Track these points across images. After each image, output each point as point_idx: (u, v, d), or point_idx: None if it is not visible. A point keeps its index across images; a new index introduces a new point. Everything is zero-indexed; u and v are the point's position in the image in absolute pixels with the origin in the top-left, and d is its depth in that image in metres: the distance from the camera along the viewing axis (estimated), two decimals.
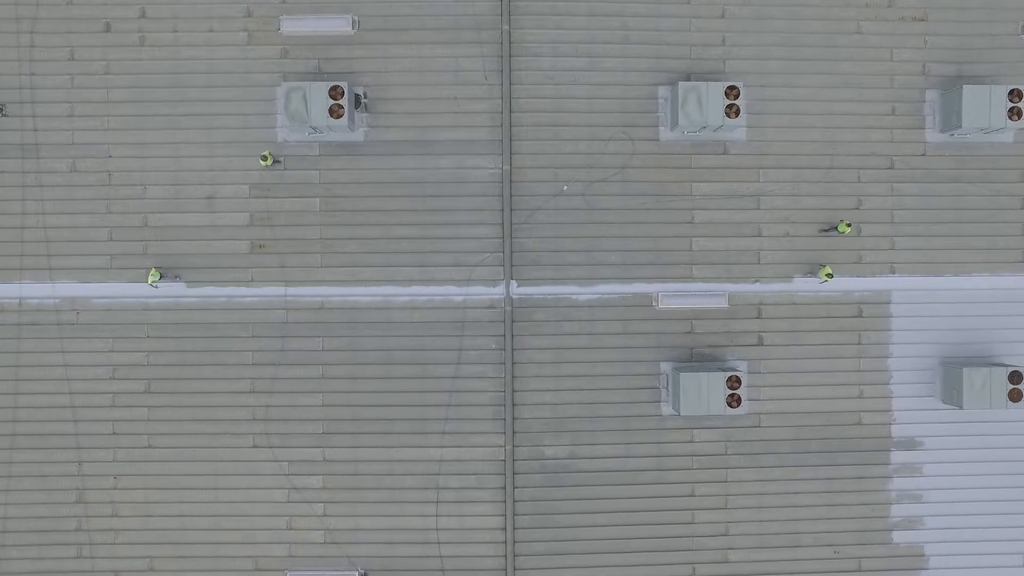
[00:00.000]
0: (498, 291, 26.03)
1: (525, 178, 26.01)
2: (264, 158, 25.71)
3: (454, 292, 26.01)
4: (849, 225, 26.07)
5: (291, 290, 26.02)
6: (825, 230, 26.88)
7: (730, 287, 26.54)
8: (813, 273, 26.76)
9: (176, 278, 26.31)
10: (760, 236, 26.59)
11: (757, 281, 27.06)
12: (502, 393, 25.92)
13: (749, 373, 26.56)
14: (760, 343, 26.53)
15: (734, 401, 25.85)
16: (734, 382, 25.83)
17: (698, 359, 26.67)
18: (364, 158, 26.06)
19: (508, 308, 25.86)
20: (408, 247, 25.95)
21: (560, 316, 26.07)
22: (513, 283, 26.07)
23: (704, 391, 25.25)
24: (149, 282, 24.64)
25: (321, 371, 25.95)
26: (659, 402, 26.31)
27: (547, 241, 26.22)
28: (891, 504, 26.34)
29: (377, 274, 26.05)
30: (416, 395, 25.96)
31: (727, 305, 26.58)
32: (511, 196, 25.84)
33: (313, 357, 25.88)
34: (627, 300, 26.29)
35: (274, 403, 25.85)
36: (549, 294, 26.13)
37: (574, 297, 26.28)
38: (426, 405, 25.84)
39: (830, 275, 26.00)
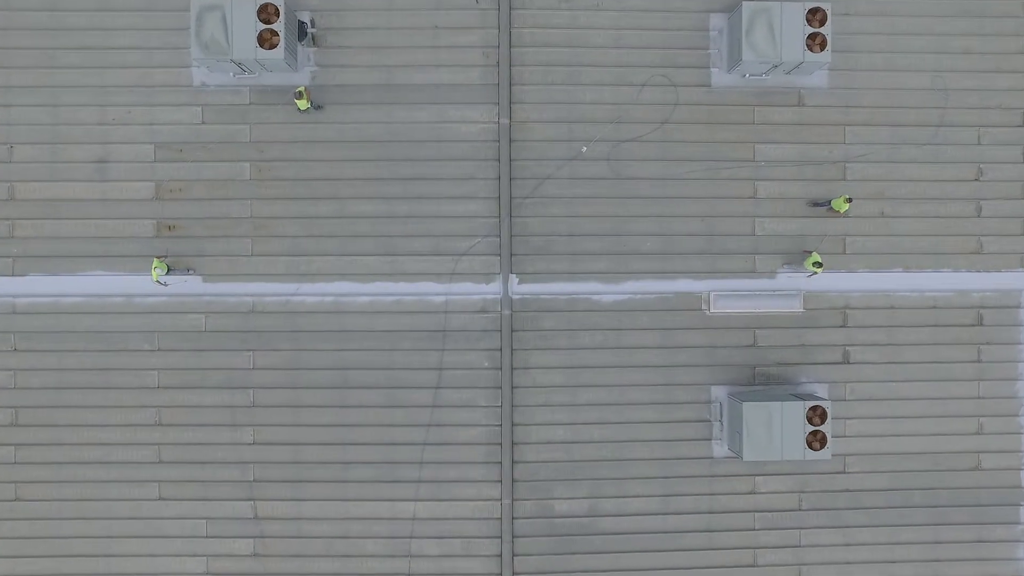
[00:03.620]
0: (493, 289, 20.61)
1: (530, 136, 20.75)
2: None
3: (433, 290, 20.66)
4: (849, 200, 20.05)
5: (211, 287, 20.62)
6: (817, 205, 20.86)
7: (806, 284, 21.02)
8: (790, 264, 20.92)
9: (189, 271, 20.35)
10: (847, 217, 21.22)
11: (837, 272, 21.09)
12: (498, 428, 20.68)
13: (831, 401, 20.39)
14: (846, 360, 21.27)
15: (817, 441, 19.66)
16: (817, 415, 19.51)
17: (763, 382, 21.12)
18: (311, 109, 20.50)
19: (506, 312, 20.66)
20: (370, 229, 20.71)
21: (576, 323, 20.81)
22: (513, 278, 20.74)
23: (775, 427, 19.45)
24: (154, 278, 19.68)
25: (252, 397, 20.68)
26: (710, 440, 21.10)
27: (559, 222, 20.86)
28: None
29: (328, 265, 20.69)
30: (381, 430, 20.69)
31: (802, 309, 21.19)
32: (511, 161, 20.70)
33: (241, 378, 20.61)
34: (667, 302, 20.92)
35: (188, 439, 20.65)
36: (561, 293, 20.77)
37: (595, 298, 20.77)
38: (395, 444, 20.65)
39: (819, 264, 19.90)
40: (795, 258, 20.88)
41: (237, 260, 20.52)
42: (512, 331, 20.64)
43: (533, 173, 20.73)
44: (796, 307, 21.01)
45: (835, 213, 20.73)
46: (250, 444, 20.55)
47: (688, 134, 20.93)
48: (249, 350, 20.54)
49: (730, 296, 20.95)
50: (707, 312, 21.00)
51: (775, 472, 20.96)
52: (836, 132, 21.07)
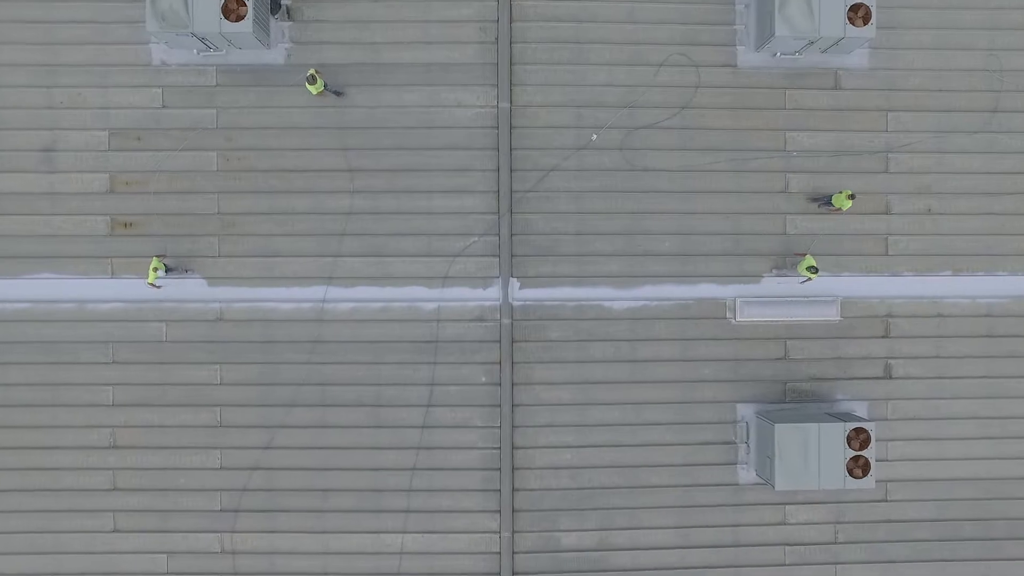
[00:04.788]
0: (491, 295, 18.59)
1: (533, 122, 18.70)
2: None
3: (424, 296, 18.56)
4: (852, 197, 17.84)
5: (173, 291, 18.40)
6: (816, 201, 18.77)
7: (843, 289, 18.88)
8: (780, 268, 18.84)
9: (188, 272, 18.28)
10: (888, 213, 19.16)
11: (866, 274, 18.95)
12: (496, 451, 18.62)
13: (872, 421, 18.08)
14: (888, 375, 19.15)
15: (859, 468, 17.55)
16: (860, 439, 17.47)
17: (794, 399, 19.04)
18: (285, 91, 18.53)
19: (506, 321, 18.59)
20: (353, 226, 18.58)
21: (585, 333, 18.79)
22: (514, 283, 18.67)
23: (811, 453, 17.37)
24: (150, 279, 17.43)
25: (219, 416, 18.55)
26: (735, 465, 19.02)
27: (565, 219, 18.79)
28: None
29: (305, 268, 18.59)
30: (365, 454, 18.54)
31: (839, 318, 19.07)
32: (511, 150, 18.61)
33: (206, 395, 18.52)
34: (688, 309, 18.87)
35: (146, 463, 18.55)
36: (568, 300, 18.73)
37: (606, 304, 18.72)
38: (380, 469, 18.54)
39: (813, 269, 17.77)
40: (792, 260, 18.85)
41: (202, 262, 18.38)
42: (513, 342, 18.56)
43: (536, 164, 18.61)
44: (833, 315, 18.79)
45: (836, 211, 18.54)
46: (216, 469, 18.44)
47: (711, 120, 18.84)
48: (216, 363, 18.46)
49: (758, 303, 18.73)
50: (732, 321, 18.81)
51: (808, 501, 18.83)
52: (877, 119, 18.99)
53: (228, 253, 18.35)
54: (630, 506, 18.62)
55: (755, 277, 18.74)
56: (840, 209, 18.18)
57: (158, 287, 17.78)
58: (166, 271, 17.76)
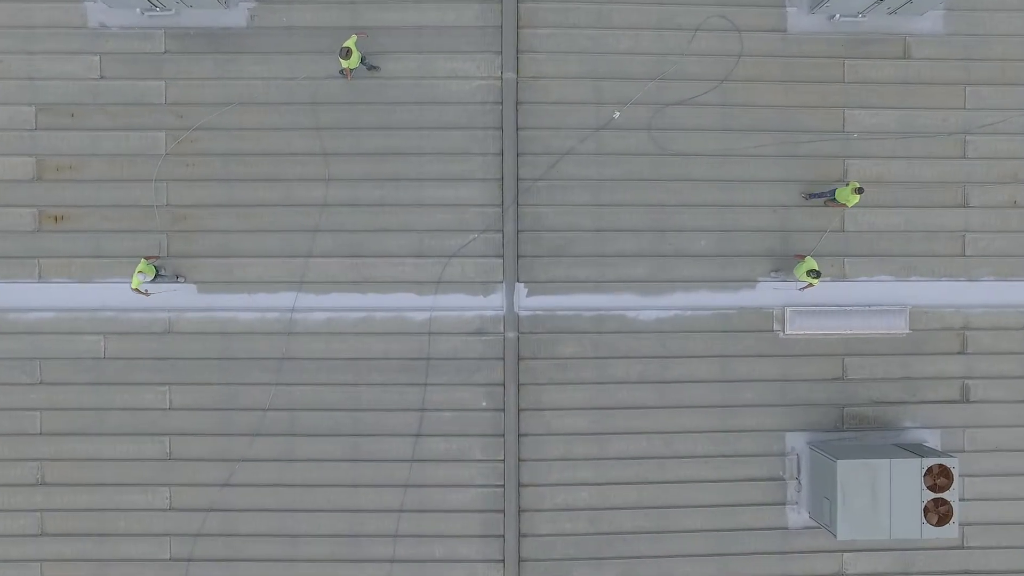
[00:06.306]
0: (493, 303, 15.89)
1: (544, 96, 16.00)
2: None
3: (413, 304, 15.84)
4: (860, 190, 14.70)
5: (112, 298, 15.58)
6: (815, 196, 15.89)
7: (912, 296, 16.16)
8: (778, 269, 16.02)
9: (179, 279, 15.57)
10: (966, 206, 16.40)
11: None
12: (500, 489, 15.89)
13: (947, 454, 15.38)
14: (964, 398, 16.36)
15: (939, 513, 14.67)
16: (939, 477, 14.73)
17: (853, 427, 16.21)
18: (247, 59, 15.74)
19: (511, 335, 15.89)
20: (329, 221, 15.85)
21: (605, 349, 16.06)
22: (520, 288, 15.91)
23: (881, 494, 14.54)
24: (134, 284, 14.68)
25: (168, 446, 15.76)
26: (783, 505, 16.18)
27: (582, 213, 16.03)
28: None
29: (270, 270, 15.86)
30: (342, 492, 15.80)
31: (907, 330, 16.27)
32: (518, 130, 15.86)
33: (153, 422, 15.76)
34: (728, 320, 16.17)
35: (81, 503, 15.76)
36: (585, 309, 15.98)
37: (630, 315, 16.06)
38: (360, 511, 15.78)
39: (815, 274, 14.87)
40: (791, 262, 16.01)
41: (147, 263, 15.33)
42: (519, 359, 15.71)
43: (547, 147, 15.76)
44: (900, 327, 15.90)
45: (839, 206, 15.65)
46: (165, 510, 15.60)
47: (756, 96, 15.99)
48: (164, 384, 15.61)
49: (811, 312, 15.82)
50: (780, 334, 15.92)
51: (869, 548, 15.95)
52: (953, 94, 16.17)
53: (178, 253, 15.46)
54: (658, 554, 15.80)
55: (822, 281, 15.84)
56: (844, 205, 15.19)
57: (145, 294, 14.84)
58: (155, 276, 14.89)
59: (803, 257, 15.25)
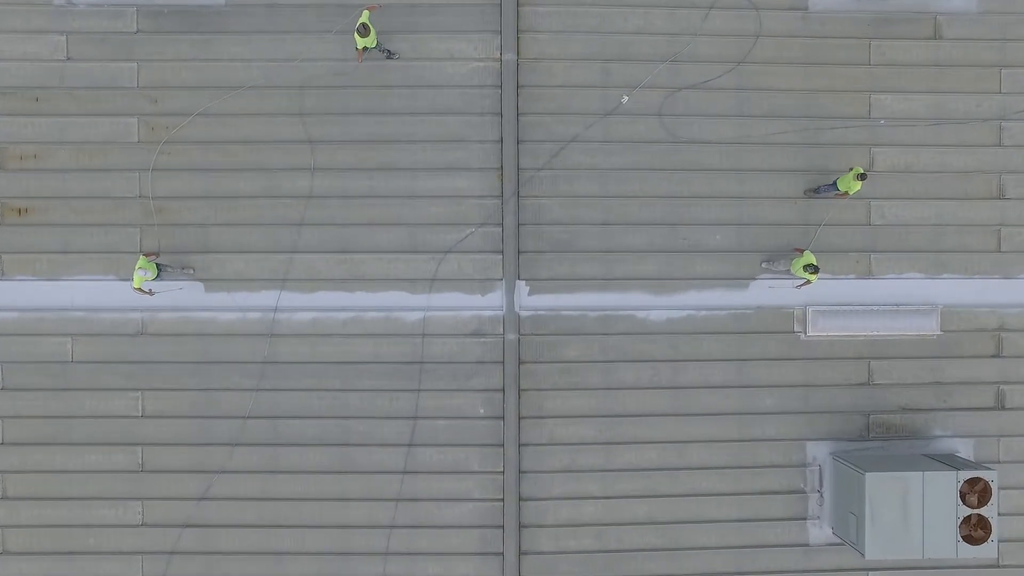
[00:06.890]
0: (492, 302, 14.94)
1: (547, 79, 15.06)
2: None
3: (405, 303, 14.88)
4: (863, 176, 13.52)
5: (81, 297, 14.66)
6: (818, 191, 14.83)
7: (944, 295, 15.19)
8: (771, 262, 14.94)
9: (185, 270, 14.52)
10: (1002, 198, 15.41)
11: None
12: (499, 504, 14.90)
13: (984, 466, 14.40)
14: (1000, 405, 15.35)
15: (976, 532, 13.61)
16: (976, 492, 13.70)
17: (880, 436, 15.18)
18: (225, 39, 14.80)
19: (511, 336, 14.93)
20: (315, 214, 14.89)
21: (613, 352, 15.10)
22: (521, 286, 14.93)
23: (913, 510, 13.46)
24: (135, 283, 13.64)
25: (140, 457, 14.75)
26: (804, 520, 15.16)
27: (588, 205, 15.06)
28: None
29: (252, 267, 14.85)
30: (329, 507, 14.86)
31: (938, 331, 15.28)
32: (519, 116, 14.91)
33: (124, 431, 14.78)
34: (745, 320, 15.17)
35: (46, 519, 14.80)
36: (591, 308, 15.03)
37: (640, 315, 15.08)
38: (349, 527, 14.89)
39: (813, 269, 13.67)
40: (785, 254, 14.98)
41: (119, 259, 14.50)
42: (519, 363, 14.71)
43: (551, 134, 14.76)
44: (931, 328, 14.86)
45: (841, 196, 14.47)
46: (137, 526, 14.56)
47: (775, 79, 14.99)
48: (136, 389, 14.60)
49: (835, 312, 14.77)
50: (802, 336, 14.90)
51: (897, 566, 14.88)
52: (988, 77, 15.16)
53: (153, 248, 14.42)
54: (669, 573, 14.81)
55: (832, 278, 14.79)
56: (847, 194, 14.03)
57: (149, 293, 13.80)
58: (157, 273, 13.84)
59: (802, 251, 14.15)
